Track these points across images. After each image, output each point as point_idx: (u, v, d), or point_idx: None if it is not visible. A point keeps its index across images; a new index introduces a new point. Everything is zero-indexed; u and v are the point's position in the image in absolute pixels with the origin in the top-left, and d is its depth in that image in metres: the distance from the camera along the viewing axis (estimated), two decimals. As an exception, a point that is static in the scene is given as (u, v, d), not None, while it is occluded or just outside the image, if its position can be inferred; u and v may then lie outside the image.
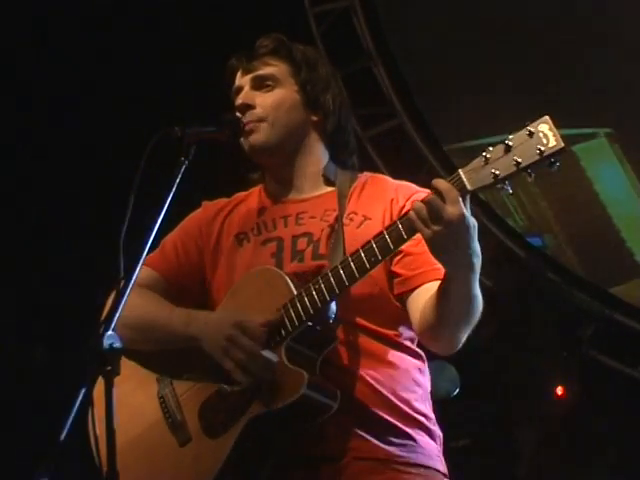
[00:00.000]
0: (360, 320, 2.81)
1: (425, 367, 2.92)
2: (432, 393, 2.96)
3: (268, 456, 2.74)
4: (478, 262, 2.56)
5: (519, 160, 2.42)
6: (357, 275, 2.65)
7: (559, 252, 8.28)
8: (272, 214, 3.02)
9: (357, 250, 2.66)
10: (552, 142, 2.40)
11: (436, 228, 2.47)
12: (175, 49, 7.14)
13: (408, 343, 2.88)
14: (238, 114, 2.98)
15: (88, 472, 2.36)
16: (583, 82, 7.87)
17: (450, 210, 2.45)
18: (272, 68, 3.04)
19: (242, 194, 3.17)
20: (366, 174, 3.07)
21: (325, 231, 2.89)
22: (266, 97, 3.01)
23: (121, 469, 2.19)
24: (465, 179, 2.49)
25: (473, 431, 7.55)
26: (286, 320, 2.71)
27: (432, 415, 2.88)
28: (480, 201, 7.93)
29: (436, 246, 2.52)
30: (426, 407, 2.87)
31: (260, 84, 3.03)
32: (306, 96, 3.03)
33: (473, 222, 2.51)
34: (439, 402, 2.93)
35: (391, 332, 2.85)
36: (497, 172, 2.44)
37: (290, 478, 2.74)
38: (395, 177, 3.07)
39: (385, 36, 7.86)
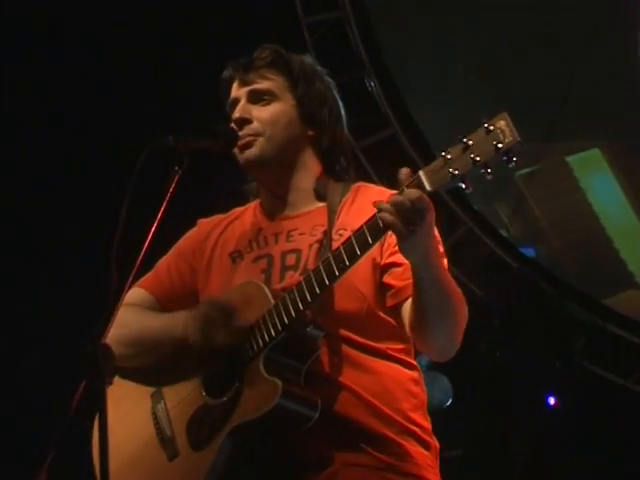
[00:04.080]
0: (350, 334, 2.82)
1: (420, 378, 2.92)
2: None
3: (253, 465, 2.74)
4: (440, 248, 2.71)
5: (477, 158, 2.44)
6: (327, 282, 2.67)
7: (552, 263, 8.27)
8: (265, 232, 3.03)
9: (327, 258, 2.67)
10: (508, 137, 2.41)
11: (410, 227, 2.51)
12: (168, 58, 7.13)
13: (401, 355, 2.88)
14: (234, 126, 2.98)
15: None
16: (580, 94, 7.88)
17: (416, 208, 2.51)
18: (269, 82, 3.03)
19: (238, 210, 3.17)
20: (358, 185, 3.08)
21: (314, 247, 2.90)
22: (263, 111, 3.01)
23: None
24: (425, 180, 2.51)
25: (466, 441, 7.53)
26: (264, 330, 2.72)
27: (428, 426, 2.88)
28: (472, 211, 7.94)
29: (408, 244, 2.56)
30: (421, 418, 2.87)
31: (257, 98, 3.03)
32: (303, 111, 3.03)
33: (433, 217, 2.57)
34: (432, 412, 2.93)
35: (382, 345, 2.85)
36: (455, 171, 2.46)
37: None
38: (389, 188, 3.05)
39: (378, 46, 7.86)
